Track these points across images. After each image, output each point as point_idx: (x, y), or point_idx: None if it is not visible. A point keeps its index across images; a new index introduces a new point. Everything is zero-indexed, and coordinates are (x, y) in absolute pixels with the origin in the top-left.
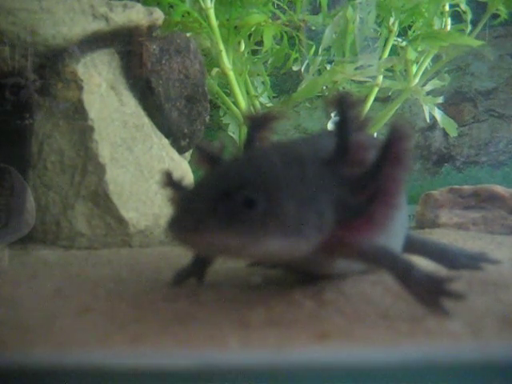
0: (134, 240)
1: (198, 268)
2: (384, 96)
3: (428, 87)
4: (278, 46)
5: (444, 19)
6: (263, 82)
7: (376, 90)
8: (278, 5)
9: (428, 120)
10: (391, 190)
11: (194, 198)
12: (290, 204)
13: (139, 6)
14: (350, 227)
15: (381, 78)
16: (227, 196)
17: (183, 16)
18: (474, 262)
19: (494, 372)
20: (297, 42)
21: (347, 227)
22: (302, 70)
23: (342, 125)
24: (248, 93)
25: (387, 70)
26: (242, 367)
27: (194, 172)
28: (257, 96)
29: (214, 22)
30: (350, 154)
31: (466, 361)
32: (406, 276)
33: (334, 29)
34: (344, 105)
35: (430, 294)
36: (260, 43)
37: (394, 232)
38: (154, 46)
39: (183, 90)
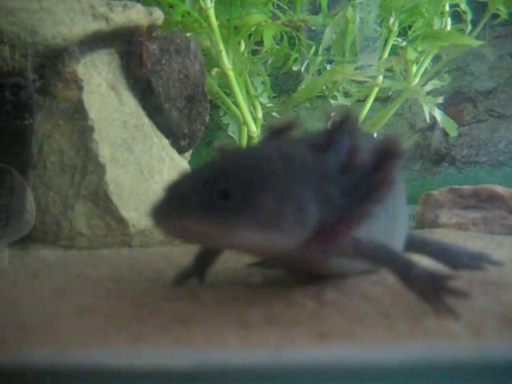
0: (134, 240)
1: (199, 268)
2: (384, 96)
3: (428, 87)
4: (277, 46)
5: (444, 19)
6: (263, 82)
7: (376, 90)
8: (277, 5)
9: (428, 120)
10: (376, 197)
11: (175, 187)
12: (267, 197)
13: (139, 6)
14: (335, 226)
15: (381, 77)
16: (204, 186)
17: (183, 16)
18: (476, 261)
19: (494, 372)
20: (297, 42)
21: (332, 225)
22: (302, 70)
23: (335, 126)
24: (248, 93)
25: (387, 70)
26: (242, 367)
27: None
28: (257, 96)
29: (214, 22)
30: (343, 155)
31: (466, 361)
32: (406, 273)
33: (334, 29)
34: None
35: (432, 292)
36: (260, 43)
37: (395, 231)
38: (154, 46)
39: (183, 89)
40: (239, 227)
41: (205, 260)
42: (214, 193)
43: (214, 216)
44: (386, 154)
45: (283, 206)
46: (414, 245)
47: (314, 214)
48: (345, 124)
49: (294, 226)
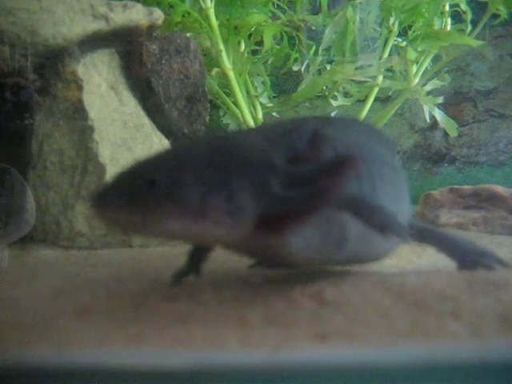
0: (134, 240)
1: (194, 265)
2: (384, 96)
3: (428, 87)
4: (277, 46)
5: (444, 19)
6: (263, 82)
7: (376, 89)
8: (278, 5)
9: (428, 120)
10: (321, 200)
11: (114, 178)
12: (191, 187)
13: (139, 6)
14: (277, 219)
15: (381, 78)
16: (134, 176)
17: (183, 16)
18: (484, 259)
19: (494, 372)
20: (297, 42)
21: (275, 218)
22: (302, 70)
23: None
24: (248, 93)
25: (387, 70)
26: (242, 367)
27: None
28: (257, 96)
29: (214, 22)
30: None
31: (466, 361)
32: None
33: (334, 29)
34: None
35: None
36: (260, 43)
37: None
38: (154, 46)
39: (183, 89)
40: (162, 216)
41: (197, 256)
42: (141, 182)
43: (138, 205)
44: (340, 162)
45: (209, 196)
46: (422, 235)
47: (248, 205)
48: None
49: (222, 216)
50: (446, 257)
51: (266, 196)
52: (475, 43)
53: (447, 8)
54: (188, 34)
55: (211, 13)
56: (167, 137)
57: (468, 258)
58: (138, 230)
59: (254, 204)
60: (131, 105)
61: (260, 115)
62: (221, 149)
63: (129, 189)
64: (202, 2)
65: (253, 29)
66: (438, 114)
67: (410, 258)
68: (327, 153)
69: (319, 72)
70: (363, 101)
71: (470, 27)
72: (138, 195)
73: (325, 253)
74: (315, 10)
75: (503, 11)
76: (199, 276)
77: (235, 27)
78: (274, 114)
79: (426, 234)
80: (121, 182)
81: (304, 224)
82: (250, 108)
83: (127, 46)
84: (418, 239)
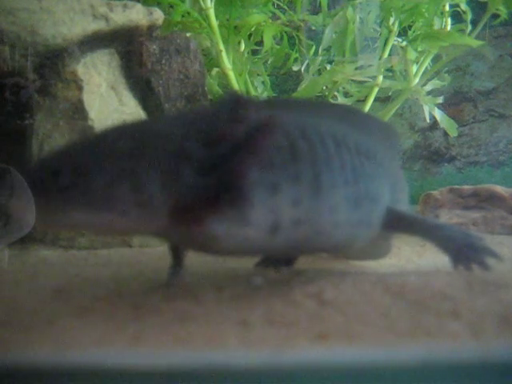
0: (134, 240)
1: (175, 258)
2: (384, 96)
3: (428, 87)
4: (278, 46)
5: (444, 19)
6: (263, 82)
7: (376, 89)
8: (277, 5)
9: (428, 120)
10: (241, 176)
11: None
12: (98, 178)
13: (139, 6)
14: (193, 208)
15: (381, 77)
16: (40, 166)
17: (183, 16)
18: (478, 254)
19: (494, 372)
20: (297, 42)
21: (190, 207)
22: (302, 70)
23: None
24: (248, 93)
25: (387, 70)
26: (242, 367)
27: None
28: (257, 96)
29: (214, 22)
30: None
31: (466, 361)
32: None
33: (333, 29)
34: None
35: None
36: (260, 43)
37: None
38: (154, 46)
39: (183, 89)
40: (65, 207)
41: (175, 250)
42: (47, 172)
43: (42, 195)
44: (257, 133)
45: (114, 186)
46: (414, 227)
47: (158, 195)
48: (230, 102)
49: (128, 206)
50: (440, 251)
51: (179, 183)
52: (475, 43)
53: (447, 8)
54: (188, 34)
55: (211, 13)
56: None
57: (462, 253)
58: (44, 221)
59: (166, 193)
60: (131, 105)
61: None
62: (131, 138)
63: (34, 179)
64: (201, 2)
65: (253, 29)
66: (438, 114)
67: (410, 258)
68: (242, 129)
69: (319, 72)
70: (363, 101)
71: (470, 27)
72: (43, 185)
73: (254, 240)
74: (315, 10)
75: (503, 11)
76: (182, 269)
77: (235, 27)
78: None
79: (417, 226)
80: (30, 173)
81: (225, 209)
82: None
83: (127, 46)
84: (409, 231)
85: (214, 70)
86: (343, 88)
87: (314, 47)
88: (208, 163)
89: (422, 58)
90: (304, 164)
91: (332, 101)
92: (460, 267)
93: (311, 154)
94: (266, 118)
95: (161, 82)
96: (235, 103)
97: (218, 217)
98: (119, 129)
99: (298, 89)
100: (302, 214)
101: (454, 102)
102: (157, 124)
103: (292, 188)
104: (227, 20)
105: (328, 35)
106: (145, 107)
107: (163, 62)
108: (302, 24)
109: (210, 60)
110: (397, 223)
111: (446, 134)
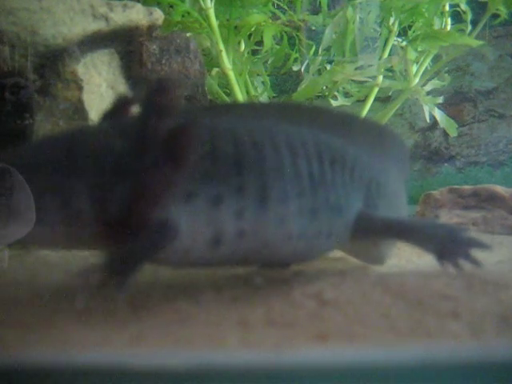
0: None
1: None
2: (384, 96)
3: (428, 87)
4: (277, 46)
5: (444, 19)
6: (263, 82)
7: (376, 90)
8: (277, 5)
9: (428, 120)
10: (161, 190)
11: None
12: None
13: (139, 6)
14: (123, 221)
15: (381, 77)
16: None
17: (183, 16)
18: (464, 248)
19: (494, 372)
20: (297, 42)
21: (121, 221)
22: (302, 70)
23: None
24: (248, 93)
25: (387, 69)
26: (242, 367)
27: None
28: (257, 96)
29: (214, 22)
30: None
31: (466, 361)
32: None
33: (333, 29)
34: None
35: None
36: (260, 43)
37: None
38: (154, 46)
39: (183, 89)
40: None
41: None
42: None
43: None
44: (157, 88)
45: (39, 200)
46: (391, 231)
47: (85, 208)
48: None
49: (52, 220)
50: (422, 250)
51: (106, 197)
52: (475, 43)
53: (447, 8)
54: (188, 34)
55: (211, 13)
56: None
57: (446, 249)
58: None
59: (93, 206)
60: None
61: None
62: (59, 150)
63: None
64: (202, 2)
65: (253, 29)
66: (438, 114)
67: (410, 258)
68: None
69: (319, 72)
70: (363, 101)
71: (470, 27)
72: None
73: (196, 252)
74: (315, 10)
75: (503, 11)
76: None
77: (235, 27)
78: None
79: (393, 230)
80: None
81: (150, 224)
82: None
83: (127, 46)
84: (384, 236)
85: (214, 70)
86: (343, 88)
87: (313, 47)
88: (132, 175)
89: (421, 58)
90: (247, 174)
91: (332, 101)
92: (446, 264)
93: (252, 162)
94: (186, 127)
95: None
96: (159, 111)
97: (146, 231)
98: (52, 139)
99: (298, 89)
100: (245, 225)
101: (453, 102)
102: (85, 134)
103: (233, 199)
104: (227, 20)
105: (328, 35)
106: None
107: (163, 62)
108: (301, 24)
109: (210, 60)
110: (370, 229)
111: (445, 133)
